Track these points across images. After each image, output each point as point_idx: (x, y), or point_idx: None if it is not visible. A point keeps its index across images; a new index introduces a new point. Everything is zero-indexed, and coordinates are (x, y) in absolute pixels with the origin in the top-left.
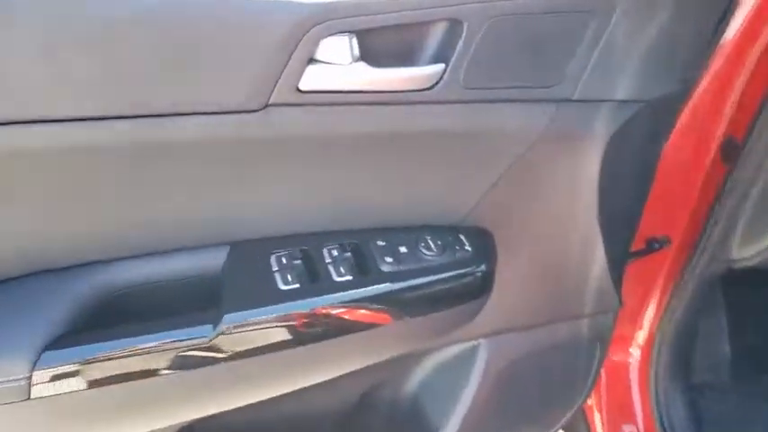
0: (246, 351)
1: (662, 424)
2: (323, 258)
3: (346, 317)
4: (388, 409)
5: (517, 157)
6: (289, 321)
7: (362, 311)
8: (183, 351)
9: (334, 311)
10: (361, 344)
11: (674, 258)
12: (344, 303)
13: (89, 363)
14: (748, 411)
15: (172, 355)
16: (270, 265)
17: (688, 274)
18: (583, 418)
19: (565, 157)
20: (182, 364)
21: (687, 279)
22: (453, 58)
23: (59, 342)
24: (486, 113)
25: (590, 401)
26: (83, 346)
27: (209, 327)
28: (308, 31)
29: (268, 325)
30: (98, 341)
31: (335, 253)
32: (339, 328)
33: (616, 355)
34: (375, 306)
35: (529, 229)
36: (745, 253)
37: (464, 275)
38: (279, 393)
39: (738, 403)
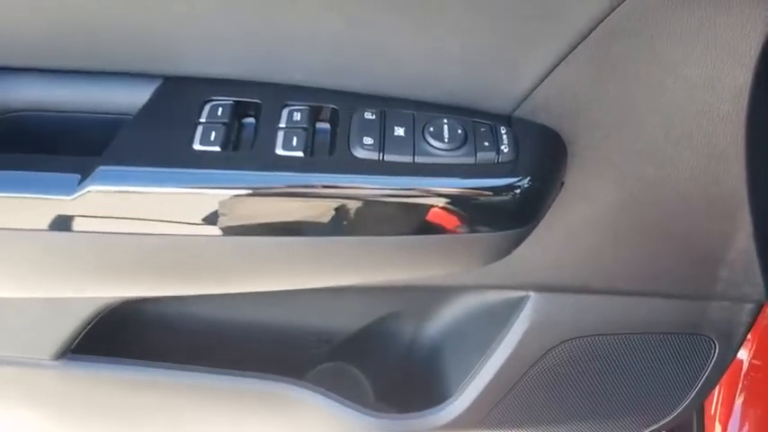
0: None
1: None
2: (276, 119)
3: (281, 206)
4: (406, 343)
5: (605, 14)
6: (192, 193)
7: (303, 205)
8: (40, 204)
9: (264, 196)
10: (301, 252)
11: None
12: (281, 187)
13: None
14: None
15: (28, 205)
16: (197, 115)
17: None
18: (698, 429)
19: (693, 20)
20: (40, 220)
21: None
22: None
23: None
24: None
25: (713, 410)
26: None
27: (75, 177)
28: None
29: (157, 190)
30: None
31: (297, 117)
32: (273, 225)
33: (761, 362)
34: (329, 202)
35: (619, 141)
36: None
37: (492, 188)
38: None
39: None
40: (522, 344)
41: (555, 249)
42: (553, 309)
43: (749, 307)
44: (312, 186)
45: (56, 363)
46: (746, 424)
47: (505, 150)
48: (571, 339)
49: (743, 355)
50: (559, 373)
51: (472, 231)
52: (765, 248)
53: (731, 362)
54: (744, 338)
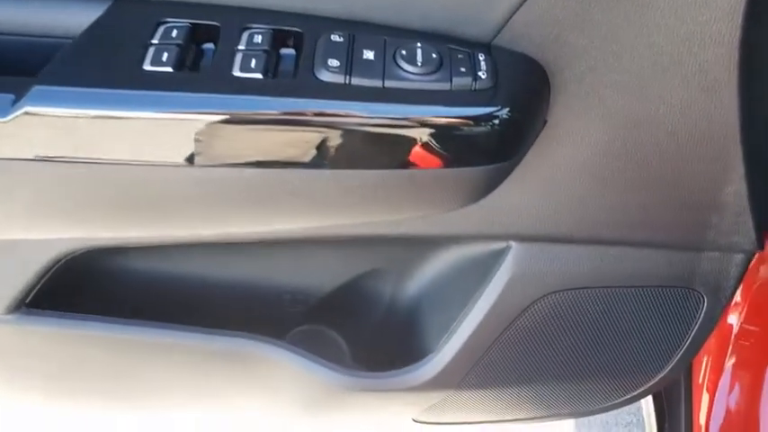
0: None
1: None
2: (235, 42)
3: (238, 133)
4: (386, 302)
5: None
6: (139, 116)
7: (262, 132)
8: None
9: (219, 120)
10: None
11: None
12: (237, 111)
13: None
14: None
15: None
16: (150, 36)
17: None
18: (685, 398)
19: None
20: None
21: None
22: None
23: None
24: None
25: (701, 379)
26: None
27: (8, 98)
28: None
29: (101, 113)
30: None
31: (258, 39)
32: (229, 155)
33: (754, 327)
34: (290, 129)
35: (605, 73)
36: None
37: (469, 118)
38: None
39: None
40: (502, 297)
41: (537, 195)
42: (535, 260)
43: (739, 258)
44: (271, 111)
45: (9, 317)
46: (735, 392)
47: (483, 77)
48: (554, 293)
49: (732, 320)
50: (542, 329)
51: (447, 166)
52: (757, 192)
53: (719, 318)
54: (733, 293)
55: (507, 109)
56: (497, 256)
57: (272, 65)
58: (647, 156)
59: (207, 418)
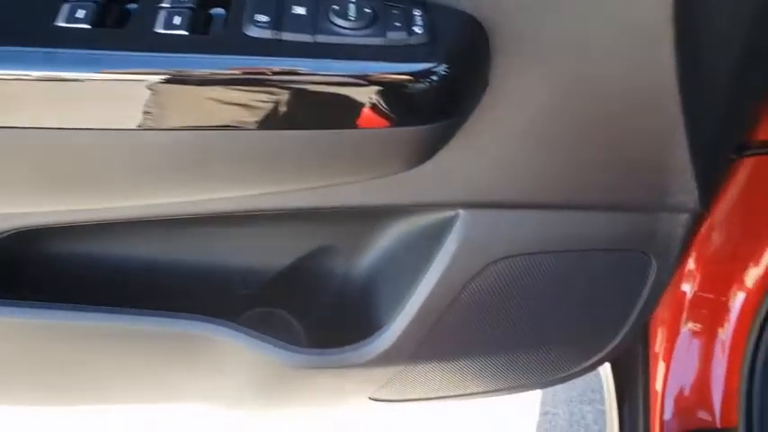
0: None
1: (749, 398)
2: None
3: (161, 93)
4: (338, 280)
5: None
6: (51, 76)
7: (186, 91)
8: None
9: (140, 80)
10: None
11: None
12: (159, 70)
13: None
14: None
15: None
16: None
17: None
18: (642, 367)
19: None
20: None
21: None
22: None
23: None
24: None
25: (657, 348)
26: None
27: None
28: None
29: (6, 72)
30: None
31: None
32: (155, 117)
33: (707, 294)
34: (216, 88)
35: (544, 28)
36: None
37: (405, 73)
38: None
39: None
40: (451, 266)
41: (483, 161)
42: (483, 227)
43: (684, 218)
44: (195, 69)
45: None
46: (689, 359)
47: (419, 32)
48: (503, 259)
49: (686, 288)
50: (492, 297)
51: (384, 125)
52: (699, 150)
53: (669, 282)
54: (681, 254)
55: (445, 65)
56: (446, 225)
57: (199, 22)
58: (590, 115)
59: (206, 419)
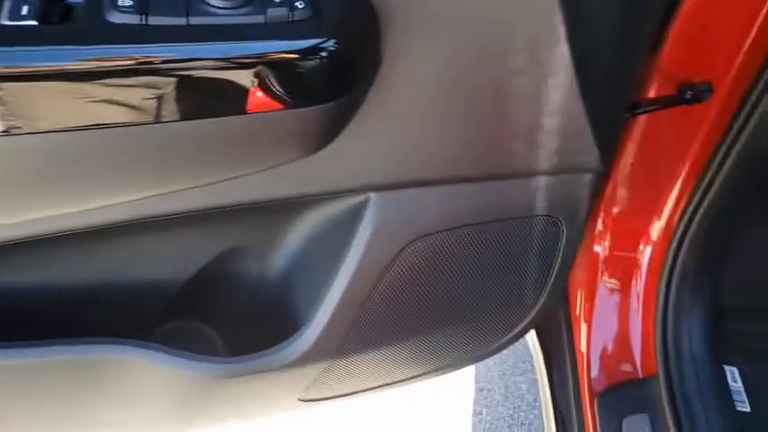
0: None
1: (665, 345)
2: None
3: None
4: (252, 282)
5: None
6: None
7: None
8: None
9: None
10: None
11: (715, 118)
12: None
13: None
14: None
15: None
16: None
17: (732, 141)
18: (566, 330)
19: None
20: None
21: (730, 148)
22: None
23: None
24: None
25: (578, 311)
26: None
27: None
28: None
29: None
30: None
31: None
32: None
33: (618, 252)
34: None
35: (431, 3)
36: None
37: (291, 52)
38: None
39: None
40: (367, 253)
41: (384, 140)
42: (396, 208)
43: (587, 178)
44: (48, 63)
45: None
46: (608, 317)
47: (301, 7)
48: (420, 238)
49: (598, 249)
50: (414, 279)
51: (275, 108)
52: (595, 110)
53: (579, 242)
54: (588, 215)
55: (333, 40)
56: (357, 211)
57: (54, 11)
58: (487, 85)
59: None
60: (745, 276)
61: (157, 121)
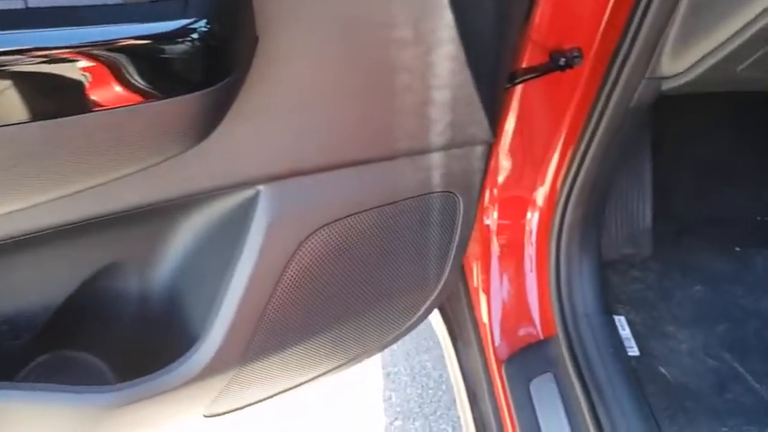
0: None
1: (560, 304)
2: None
3: None
4: (135, 297)
5: None
6: None
7: None
8: None
9: None
10: None
11: (587, 82)
12: None
13: None
14: (666, 291)
15: None
16: None
17: (604, 102)
18: (467, 303)
19: None
20: None
21: (603, 109)
22: None
23: None
24: None
25: (476, 283)
26: None
27: None
28: None
29: None
30: None
31: None
32: None
33: (507, 221)
34: None
35: None
36: (678, 67)
37: (154, 37)
38: None
39: (655, 280)
40: (264, 251)
41: (271, 126)
42: (290, 200)
43: (479, 150)
44: None
45: None
46: (504, 285)
47: None
48: (320, 229)
49: (489, 221)
50: (318, 271)
51: (144, 99)
52: (482, 81)
53: (476, 216)
54: (481, 188)
55: (204, 20)
56: (248, 207)
57: None
58: (369, 60)
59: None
60: (621, 229)
61: (12, 120)
